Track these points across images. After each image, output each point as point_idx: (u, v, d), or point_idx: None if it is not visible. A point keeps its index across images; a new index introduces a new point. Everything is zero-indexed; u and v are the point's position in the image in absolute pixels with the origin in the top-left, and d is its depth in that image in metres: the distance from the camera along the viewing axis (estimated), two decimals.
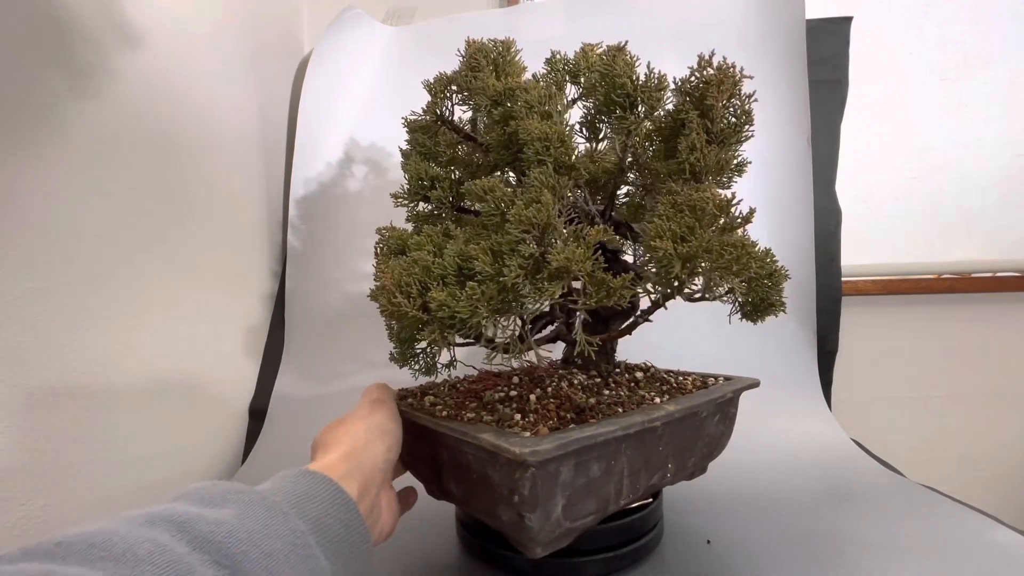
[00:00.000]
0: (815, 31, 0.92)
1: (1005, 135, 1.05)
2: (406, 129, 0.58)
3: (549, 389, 0.47)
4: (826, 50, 0.93)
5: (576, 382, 0.48)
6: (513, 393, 0.47)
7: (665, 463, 0.46)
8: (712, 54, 0.45)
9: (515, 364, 0.56)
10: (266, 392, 0.90)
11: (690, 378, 0.54)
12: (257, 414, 0.88)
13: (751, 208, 0.41)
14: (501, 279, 0.39)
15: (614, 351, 0.54)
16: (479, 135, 0.53)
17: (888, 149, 1.07)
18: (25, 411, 0.51)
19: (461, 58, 0.52)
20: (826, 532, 0.57)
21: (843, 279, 0.94)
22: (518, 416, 0.42)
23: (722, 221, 0.39)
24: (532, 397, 0.45)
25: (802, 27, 0.91)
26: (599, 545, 0.48)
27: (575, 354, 0.50)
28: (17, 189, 0.50)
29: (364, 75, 1.04)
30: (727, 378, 0.55)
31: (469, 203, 0.52)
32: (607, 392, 0.47)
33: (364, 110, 1.02)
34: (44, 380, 0.53)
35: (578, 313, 0.44)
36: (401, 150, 0.58)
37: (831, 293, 0.92)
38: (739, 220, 0.40)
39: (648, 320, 0.47)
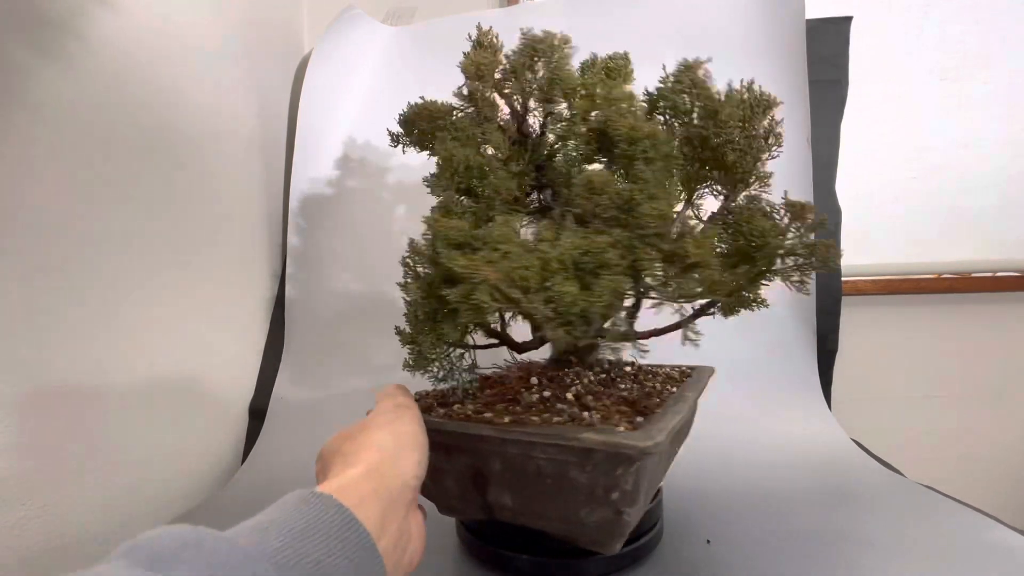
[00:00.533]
0: (815, 31, 0.92)
1: (1005, 135, 1.05)
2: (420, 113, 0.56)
3: (577, 387, 0.47)
4: (826, 50, 0.93)
5: (593, 379, 0.49)
6: (547, 394, 0.46)
7: (677, 446, 0.49)
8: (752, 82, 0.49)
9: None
10: (266, 392, 0.90)
11: (666, 368, 0.58)
12: (257, 414, 0.88)
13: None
14: (633, 273, 0.38)
15: (597, 349, 0.55)
16: (528, 126, 0.53)
17: (888, 149, 1.07)
18: (25, 411, 0.51)
19: (516, 48, 0.52)
20: (826, 532, 0.57)
21: (843, 279, 0.93)
22: (586, 414, 0.41)
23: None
24: (569, 395, 0.45)
25: (802, 27, 0.91)
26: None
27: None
28: (17, 190, 0.50)
29: (364, 75, 1.04)
30: (691, 367, 0.59)
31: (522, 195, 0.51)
32: (623, 386, 0.49)
33: (364, 110, 1.02)
34: (44, 380, 0.53)
35: (690, 306, 0.45)
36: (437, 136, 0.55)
37: (831, 293, 0.92)
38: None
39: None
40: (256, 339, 0.92)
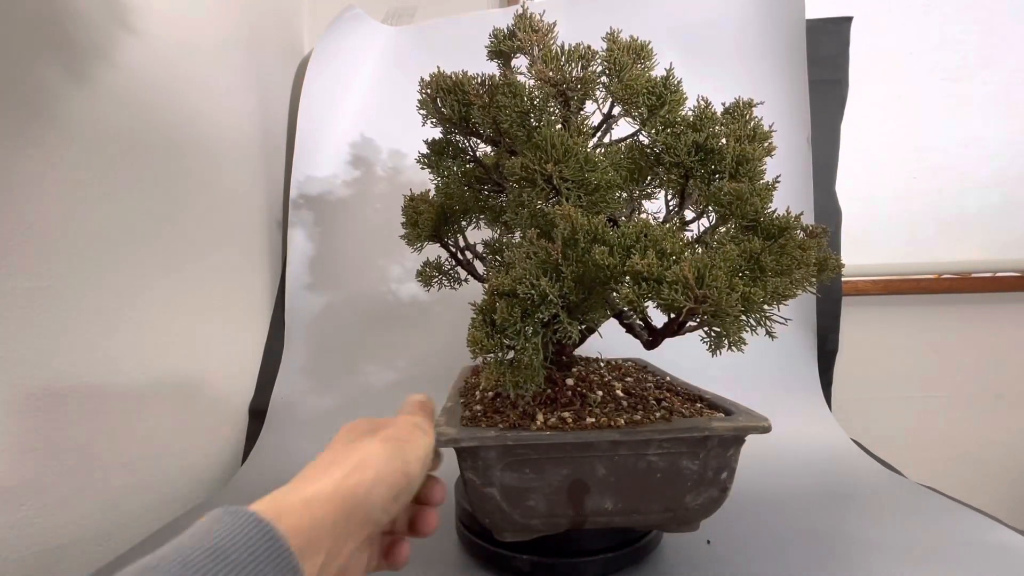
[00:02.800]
0: (815, 31, 0.92)
1: (1005, 135, 1.05)
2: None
3: (617, 385, 0.52)
4: (826, 50, 0.93)
5: (608, 376, 0.55)
6: (599, 392, 0.48)
7: None
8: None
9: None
10: (266, 392, 0.90)
11: (616, 361, 0.65)
12: (257, 414, 0.88)
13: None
14: (784, 275, 0.41)
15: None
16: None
17: (888, 149, 1.07)
18: (25, 411, 0.51)
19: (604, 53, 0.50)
20: (826, 532, 0.57)
21: (843, 279, 0.94)
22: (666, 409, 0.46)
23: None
24: (619, 392, 0.49)
25: (802, 27, 0.91)
26: (599, 545, 0.48)
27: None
28: (18, 189, 0.50)
29: (364, 75, 1.04)
30: (625, 359, 0.67)
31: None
32: (629, 380, 0.55)
33: (364, 110, 1.02)
34: (44, 380, 0.53)
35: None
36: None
37: (831, 293, 0.92)
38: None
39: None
40: (256, 339, 0.92)
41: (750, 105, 0.51)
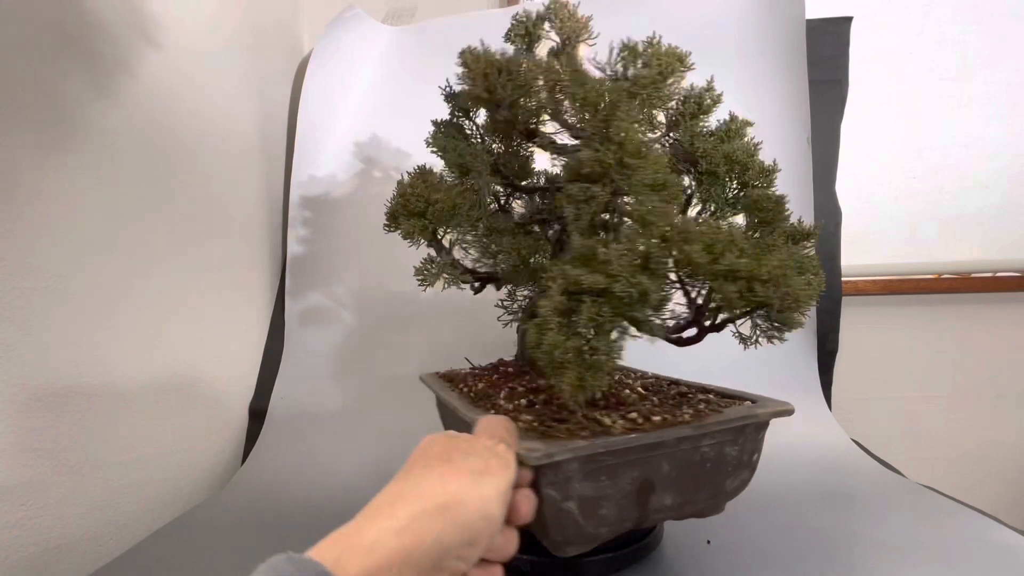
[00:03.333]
0: (815, 31, 0.92)
1: (1005, 135, 1.05)
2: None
3: (645, 381, 0.55)
4: (826, 50, 0.93)
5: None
6: (628, 391, 0.50)
7: None
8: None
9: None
10: (266, 392, 0.90)
11: None
12: (257, 414, 0.88)
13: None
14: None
15: None
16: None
17: (888, 149, 1.07)
18: (25, 411, 0.51)
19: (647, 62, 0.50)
20: (826, 532, 0.57)
21: (843, 279, 0.93)
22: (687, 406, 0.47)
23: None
24: (640, 390, 0.51)
25: (802, 27, 0.91)
26: (599, 545, 0.48)
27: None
28: (19, 189, 0.50)
29: (364, 75, 1.04)
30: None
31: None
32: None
33: (364, 110, 1.02)
34: (44, 380, 0.53)
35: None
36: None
37: (831, 293, 0.92)
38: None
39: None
40: (256, 339, 0.92)
41: (747, 124, 0.53)
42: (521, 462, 0.36)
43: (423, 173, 0.57)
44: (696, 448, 0.43)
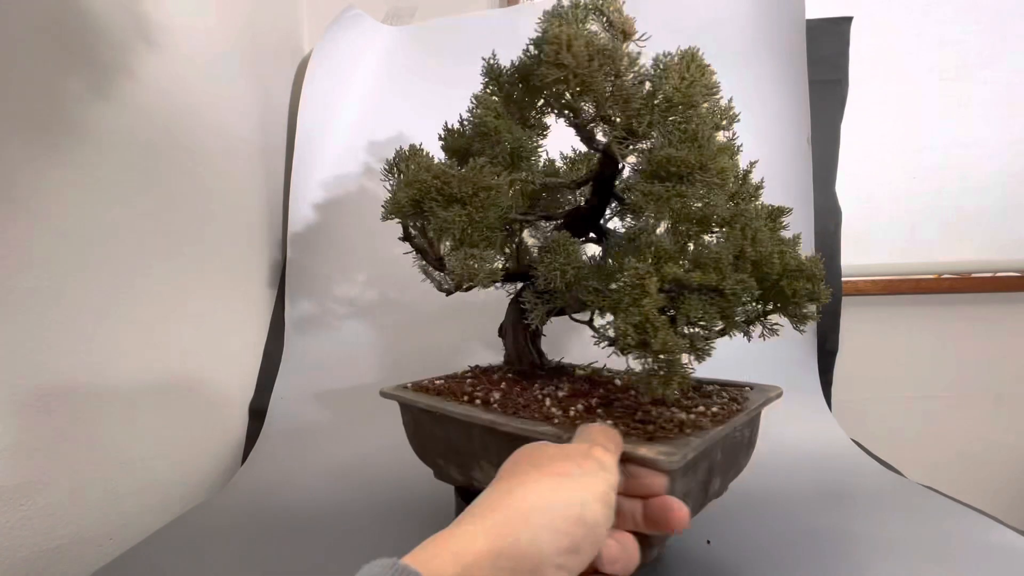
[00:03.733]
0: (815, 31, 0.92)
1: (1005, 135, 1.05)
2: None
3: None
4: (826, 50, 0.93)
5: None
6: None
7: None
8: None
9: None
10: (266, 392, 0.90)
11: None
12: (257, 414, 0.88)
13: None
14: None
15: None
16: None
17: (888, 149, 1.07)
18: (25, 411, 0.51)
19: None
20: (826, 532, 0.57)
21: (843, 279, 0.93)
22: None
23: None
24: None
25: (802, 27, 0.91)
26: None
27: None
28: (19, 189, 0.50)
29: (364, 75, 1.04)
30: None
31: None
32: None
33: (364, 110, 1.02)
34: (44, 380, 0.53)
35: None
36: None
37: (831, 293, 0.92)
38: None
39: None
40: (256, 339, 0.92)
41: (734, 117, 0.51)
42: (656, 468, 0.34)
43: (443, 165, 0.52)
44: (737, 434, 0.48)
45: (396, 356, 0.93)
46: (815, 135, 0.91)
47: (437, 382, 0.58)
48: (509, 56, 0.53)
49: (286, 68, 1.06)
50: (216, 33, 0.82)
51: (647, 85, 0.47)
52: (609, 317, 0.42)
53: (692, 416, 0.43)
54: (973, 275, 1.05)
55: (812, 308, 0.45)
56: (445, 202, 0.47)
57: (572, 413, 0.45)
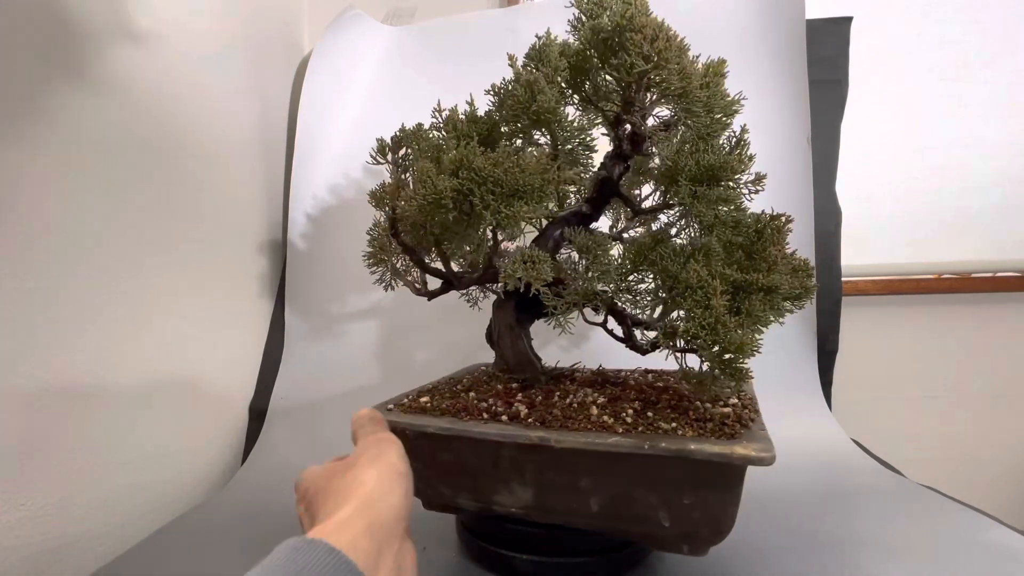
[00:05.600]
0: (815, 31, 0.92)
1: (1005, 135, 1.05)
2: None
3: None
4: (826, 50, 0.93)
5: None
6: None
7: None
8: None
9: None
10: (266, 392, 0.90)
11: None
12: (257, 414, 0.88)
13: None
14: None
15: None
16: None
17: (888, 149, 1.07)
18: (25, 411, 0.51)
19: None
20: (826, 532, 0.57)
21: (843, 279, 0.93)
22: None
23: None
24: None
25: (802, 27, 0.91)
26: (599, 545, 0.48)
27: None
28: (19, 189, 0.50)
29: (364, 75, 1.04)
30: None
31: None
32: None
33: (364, 110, 1.02)
34: (44, 380, 0.53)
35: None
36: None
37: (831, 293, 0.92)
38: None
39: None
40: (256, 339, 0.92)
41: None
42: (763, 464, 0.37)
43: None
44: None
45: (396, 356, 0.93)
46: (815, 135, 0.91)
47: (422, 399, 0.53)
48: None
49: (286, 68, 1.06)
50: (216, 33, 0.82)
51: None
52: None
53: (727, 409, 0.45)
54: (973, 275, 1.05)
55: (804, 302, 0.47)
56: (504, 196, 0.44)
57: (629, 419, 0.44)
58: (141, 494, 0.64)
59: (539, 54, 0.52)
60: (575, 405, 0.48)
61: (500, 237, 0.53)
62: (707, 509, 0.40)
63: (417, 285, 0.59)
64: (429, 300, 0.60)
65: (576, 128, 0.53)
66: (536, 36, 0.54)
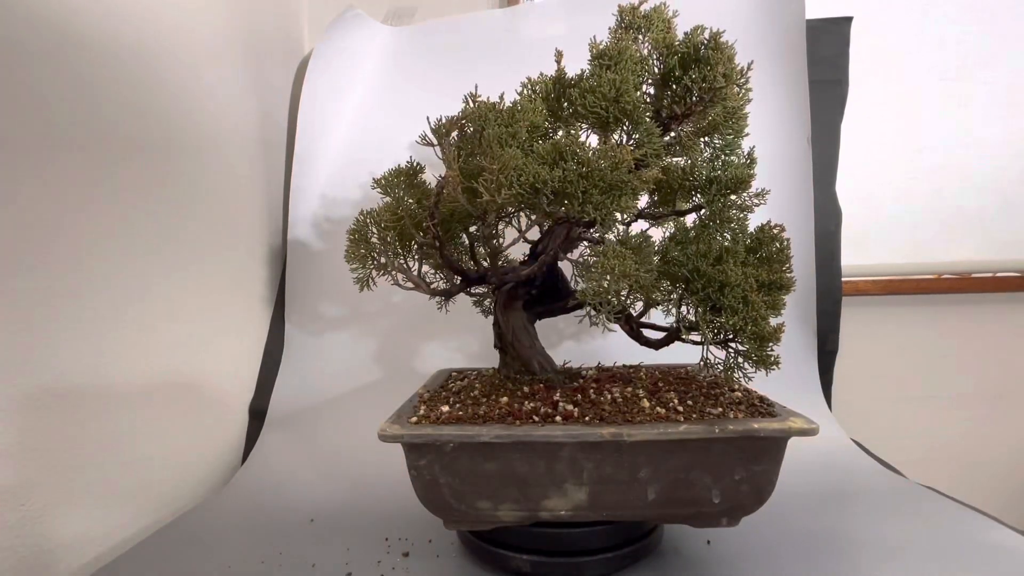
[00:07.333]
0: (815, 31, 0.92)
1: (1005, 135, 1.05)
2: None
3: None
4: (826, 50, 0.93)
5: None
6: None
7: None
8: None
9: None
10: (266, 392, 0.90)
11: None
12: (257, 414, 0.88)
13: None
14: None
15: None
16: None
17: (888, 149, 1.07)
18: (25, 411, 0.51)
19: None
20: (826, 532, 0.57)
21: (843, 279, 0.93)
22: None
23: None
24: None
25: (802, 27, 0.91)
26: (599, 545, 0.48)
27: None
28: (19, 189, 0.50)
29: (364, 75, 1.04)
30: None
31: None
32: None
33: (364, 110, 1.02)
34: (44, 380, 0.53)
35: None
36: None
37: (831, 293, 0.92)
38: None
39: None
40: (256, 339, 0.92)
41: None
42: (812, 435, 0.44)
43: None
44: None
45: (397, 357, 0.93)
46: (815, 135, 0.91)
47: (443, 409, 0.48)
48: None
49: (286, 68, 1.06)
50: (216, 33, 0.82)
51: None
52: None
53: (741, 394, 0.51)
54: (973, 275, 1.05)
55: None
56: (600, 192, 0.41)
57: (682, 408, 0.47)
58: (141, 494, 0.64)
59: (619, 55, 0.51)
60: (619, 400, 0.49)
61: (574, 233, 0.53)
62: (754, 481, 0.44)
63: (428, 283, 0.57)
64: (446, 300, 0.59)
65: (649, 131, 0.50)
66: (593, 39, 0.54)
